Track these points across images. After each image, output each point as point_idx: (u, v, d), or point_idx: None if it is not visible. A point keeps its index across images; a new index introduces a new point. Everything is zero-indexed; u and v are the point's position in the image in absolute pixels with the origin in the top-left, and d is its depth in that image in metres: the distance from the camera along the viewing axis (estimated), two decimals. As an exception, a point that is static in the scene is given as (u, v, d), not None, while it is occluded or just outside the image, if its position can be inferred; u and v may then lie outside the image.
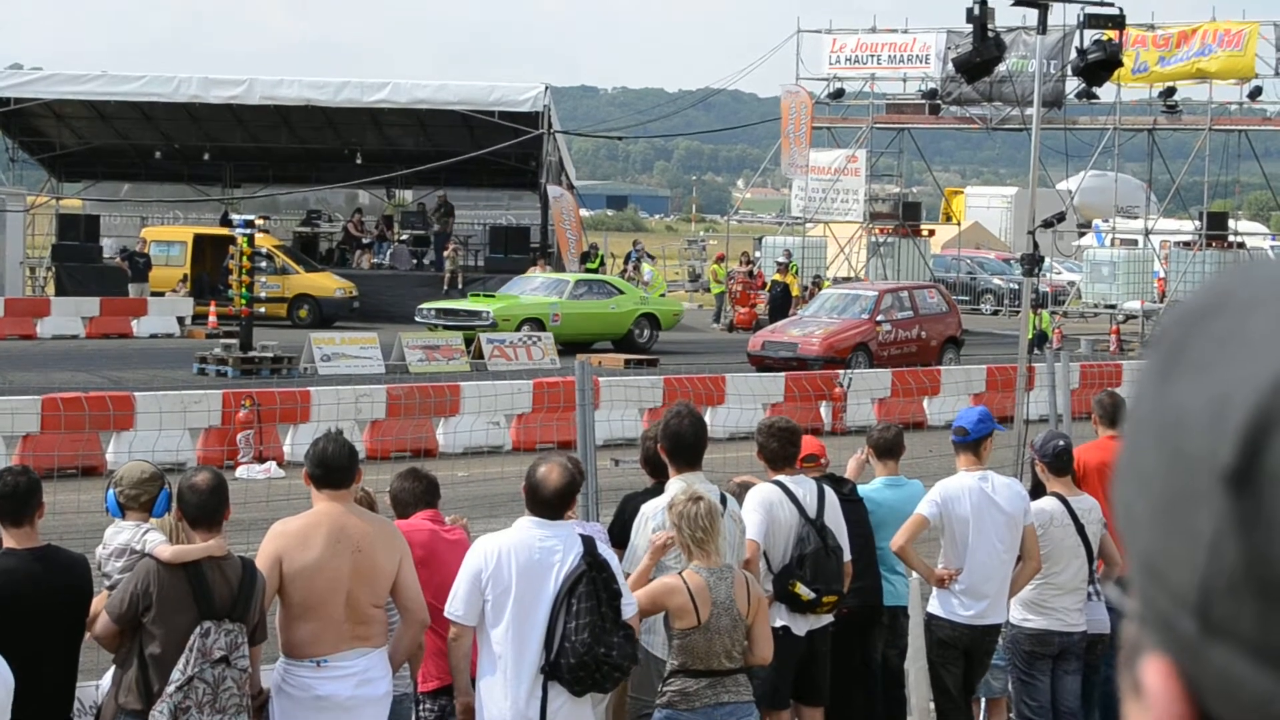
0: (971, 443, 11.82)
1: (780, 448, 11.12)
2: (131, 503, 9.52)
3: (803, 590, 10.84)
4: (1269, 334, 1.19)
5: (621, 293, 46.22)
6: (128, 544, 9.35)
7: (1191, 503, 1.19)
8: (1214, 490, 1.18)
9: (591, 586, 9.00)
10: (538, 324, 42.54)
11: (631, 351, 43.02)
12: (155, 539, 9.24)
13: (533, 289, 45.19)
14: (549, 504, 9.15)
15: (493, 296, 45.13)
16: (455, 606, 9.10)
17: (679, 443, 10.23)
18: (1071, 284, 59.57)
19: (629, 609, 9.17)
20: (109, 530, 9.59)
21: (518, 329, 41.71)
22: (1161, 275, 56.15)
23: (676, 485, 10.07)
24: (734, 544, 10.17)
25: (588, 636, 8.95)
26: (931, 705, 12.20)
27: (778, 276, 53.15)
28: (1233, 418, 1.18)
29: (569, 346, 40.55)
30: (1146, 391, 1.26)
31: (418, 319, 43.91)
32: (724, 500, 10.25)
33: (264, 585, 9.11)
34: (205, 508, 9.03)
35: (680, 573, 9.57)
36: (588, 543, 9.15)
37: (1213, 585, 1.18)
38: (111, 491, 9.61)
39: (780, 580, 10.87)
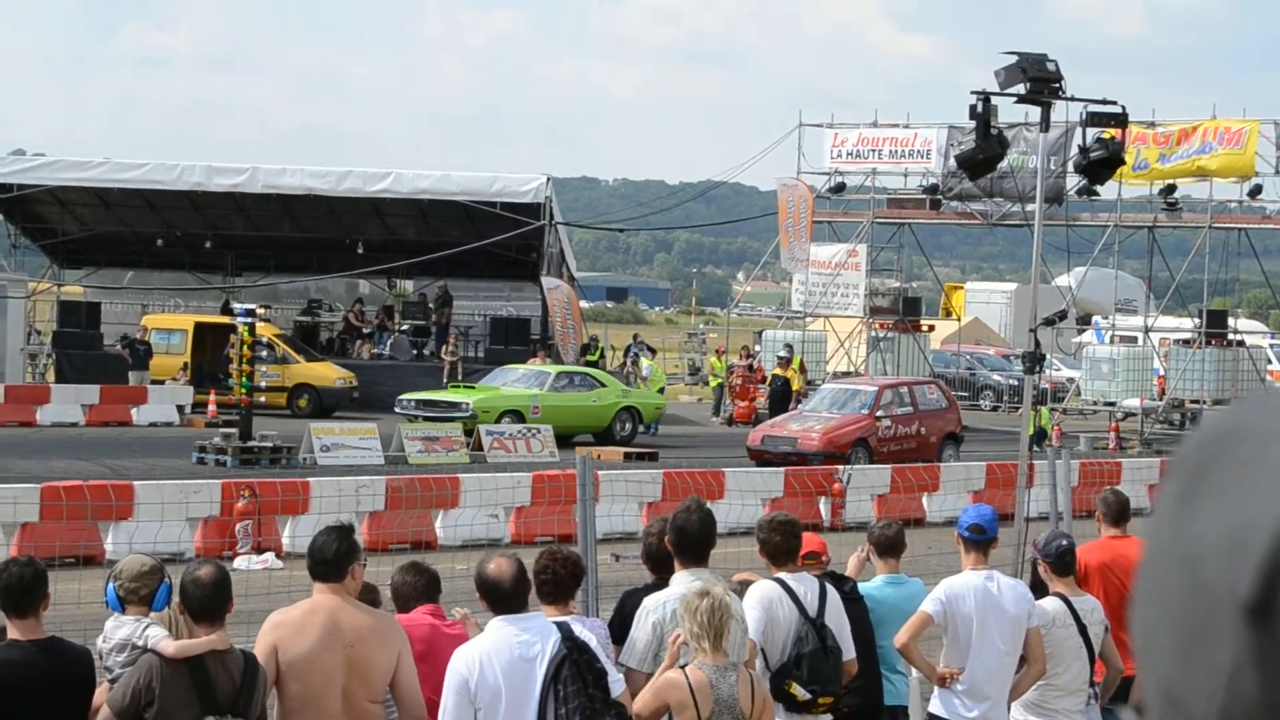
0: (985, 541, 11.80)
1: (783, 540, 11.07)
2: (131, 596, 9.48)
3: (798, 691, 10.79)
4: None
5: (603, 385, 46.13)
6: (129, 638, 9.31)
7: (1211, 633, 1.20)
8: (1233, 621, 1.18)
9: (575, 670, 8.96)
10: (518, 416, 42.46)
11: (612, 444, 42.98)
12: (156, 633, 9.21)
13: (514, 380, 45.05)
14: (512, 597, 9.12)
15: (473, 388, 45.08)
16: None
17: (684, 537, 10.21)
18: (1071, 381, 59.57)
19: (617, 686, 9.13)
20: (109, 624, 9.55)
21: (497, 421, 41.61)
22: (1161, 373, 56.17)
23: (682, 580, 10.05)
24: (737, 644, 10.12)
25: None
26: (932, 805, 12.13)
27: (778, 370, 53.13)
28: (1253, 550, 1.18)
29: (549, 439, 40.54)
30: (1166, 518, 1.26)
31: (397, 410, 43.74)
32: (728, 598, 10.21)
33: (265, 679, 9.08)
34: (209, 601, 9.00)
35: (683, 667, 9.53)
36: (563, 628, 9.12)
37: (1232, 716, 1.18)
38: (111, 585, 9.57)
39: (776, 679, 10.81)
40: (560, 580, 9.71)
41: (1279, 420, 1.23)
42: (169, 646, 8.98)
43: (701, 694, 9.38)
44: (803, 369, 54.15)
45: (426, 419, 41.76)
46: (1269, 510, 1.18)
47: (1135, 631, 1.28)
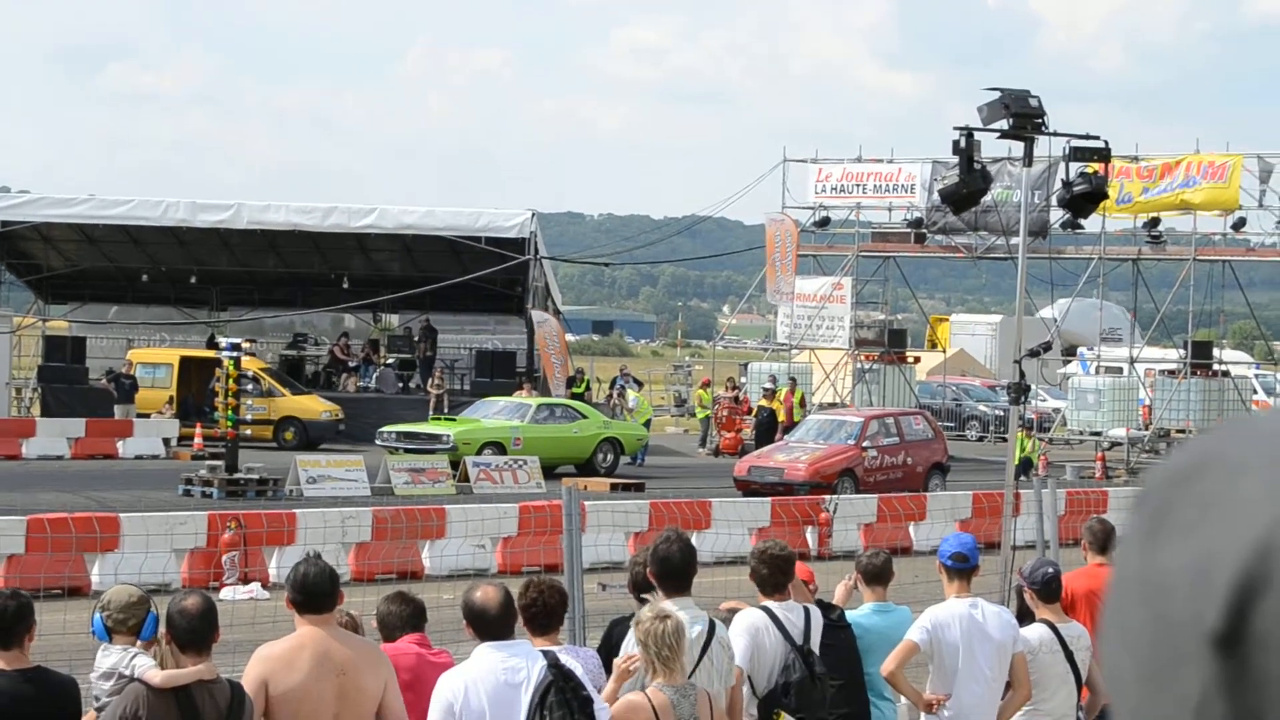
0: (967, 570, 11.82)
1: (770, 574, 11.09)
2: (119, 627, 9.48)
3: (786, 719, 10.80)
4: (1254, 497, 1.21)
5: (585, 417, 46.03)
6: (115, 667, 9.31)
7: (1178, 664, 1.21)
8: (1201, 652, 1.20)
9: (561, 696, 8.95)
10: (499, 448, 42.36)
11: (593, 476, 42.93)
12: (143, 663, 9.20)
13: (495, 412, 44.95)
14: (499, 624, 9.13)
15: (454, 420, 45.01)
16: None
17: (666, 567, 10.21)
18: (1057, 411, 59.63)
19: (603, 713, 9.13)
20: (99, 653, 9.56)
21: (478, 452, 41.53)
22: (1146, 403, 56.26)
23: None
24: (723, 671, 10.13)
25: None
26: (919, 833, 12.13)
27: (764, 402, 53.19)
28: (1219, 581, 1.20)
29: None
30: (1132, 552, 1.28)
31: (378, 442, 43.66)
32: (713, 626, 10.21)
33: (252, 710, 9.07)
34: (195, 632, 8.99)
35: (645, 690, 9.52)
36: (549, 655, 9.13)
37: None
38: (98, 615, 9.57)
39: (764, 707, 10.82)
40: (550, 609, 9.73)
41: (1241, 452, 1.25)
42: (156, 676, 8.97)
43: (664, 715, 9.39)
44: (803, 403, 54.21)
45: (407, 451, 41.72)
46: (1234, 541, 1.20)
47: (1103, 665, 1.29)
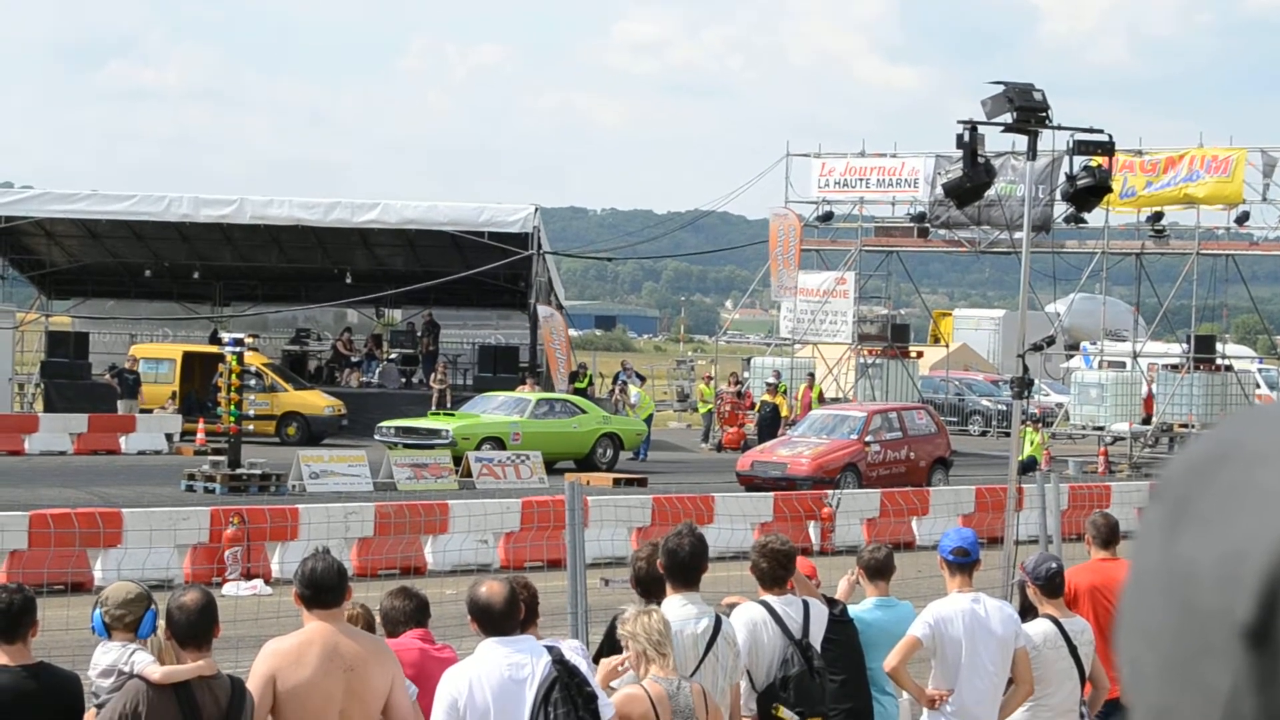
0: (969, 564, 11.81)
1: (770, 568, 11.08)
2: (117, 623, 9.46)
3: (786, 714, 10.78)
4: (1278, 487, 1.20)
5: (584, 412, 45.98)
6: (115, 664, 9.30)
7: (1206, 658, 1.19)
8: (1230, 646, 1.18)
9: (566, 692, 8.94)
10: (498, 443, 42.29)
11: (593, 471, 42.93)
12: (143, 659, 9.18)
13: (494, 407, 44.87)
14: (504, 619, 9.12)
15: (453, 415, 44.95)
16: None
17: (673, 561, 10.22)
18: (1059, 406, 59.58)
19: (607, 710, 9.12)
20: (97, 650, 9.54)
21: (477, 448, 41.47)
22: (1147, 393, 56.23)
23: (674, 604, 10.05)
24: (728, 668, 10.12)
25: None
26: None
27: (766, 397, 53.20)
28: (1249, 573, 1.18)
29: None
30: (1151, 544, 1.26)
31: (377, 437, 43.63)
32: (719, 623, 10.21)
33: (253, 705, 9.05)
34: (195, 627, 8.97)
35: (641, 682, 9.50)
36: (554, 651, 9.12)
37: None
38: (97, 612, 9.54)
39: (763, 701, 10.82)
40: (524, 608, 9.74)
41: (1261, 443, 1.23)
42: (156, 672, 8.95)
43: (662, 706, 9.38)
44: (821, 398, 54.16)
45: (406, 446, 41.68)
46: (1263, 533, 1.18)
47: (1121, 658, 1.27)
